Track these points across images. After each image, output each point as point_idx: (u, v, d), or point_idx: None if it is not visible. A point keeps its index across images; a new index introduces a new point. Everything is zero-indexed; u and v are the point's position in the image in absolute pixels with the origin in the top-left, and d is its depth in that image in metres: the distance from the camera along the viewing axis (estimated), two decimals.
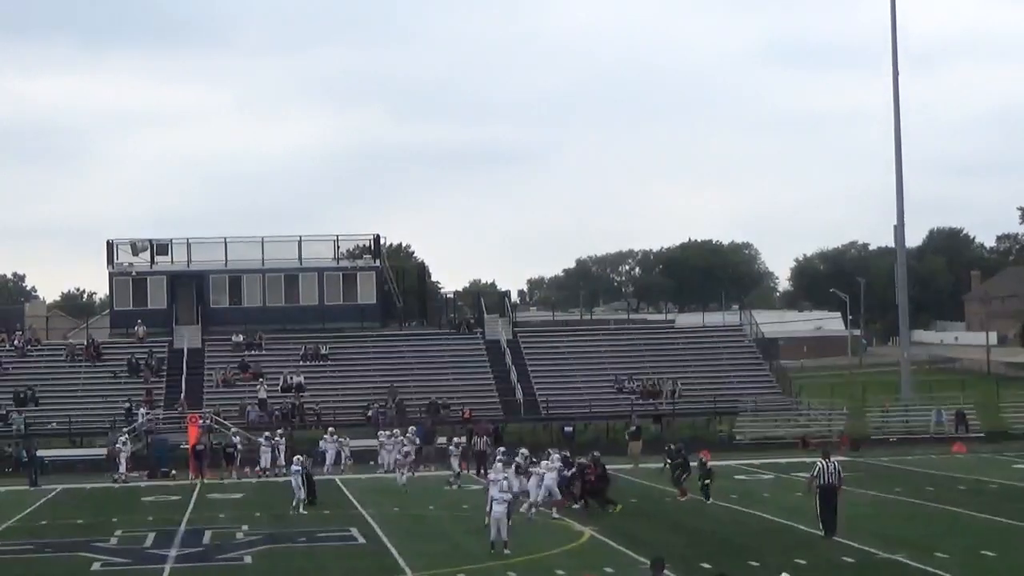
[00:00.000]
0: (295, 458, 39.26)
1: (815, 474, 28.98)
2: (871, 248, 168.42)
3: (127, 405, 56.27)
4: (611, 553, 27.29)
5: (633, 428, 51.20)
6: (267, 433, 50.20)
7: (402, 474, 43.50)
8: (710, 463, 37.50)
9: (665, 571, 17.81)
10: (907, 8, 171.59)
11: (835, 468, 29.00)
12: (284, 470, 47.57)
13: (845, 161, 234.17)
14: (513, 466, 32.09)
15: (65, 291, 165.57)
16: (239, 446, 49.26)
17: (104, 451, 52.80)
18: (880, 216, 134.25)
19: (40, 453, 49.89)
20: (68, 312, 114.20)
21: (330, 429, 50.94)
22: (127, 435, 50.98)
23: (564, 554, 27.34)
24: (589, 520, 32.50)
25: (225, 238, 66.26)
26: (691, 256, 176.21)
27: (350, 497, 39.74)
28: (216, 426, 52.90)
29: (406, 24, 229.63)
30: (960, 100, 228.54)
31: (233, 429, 52.26)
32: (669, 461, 39.07)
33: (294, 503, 36.57)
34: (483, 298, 72.88)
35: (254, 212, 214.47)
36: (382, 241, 68.93)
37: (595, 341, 65.99)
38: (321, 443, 49.59)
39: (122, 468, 48.28)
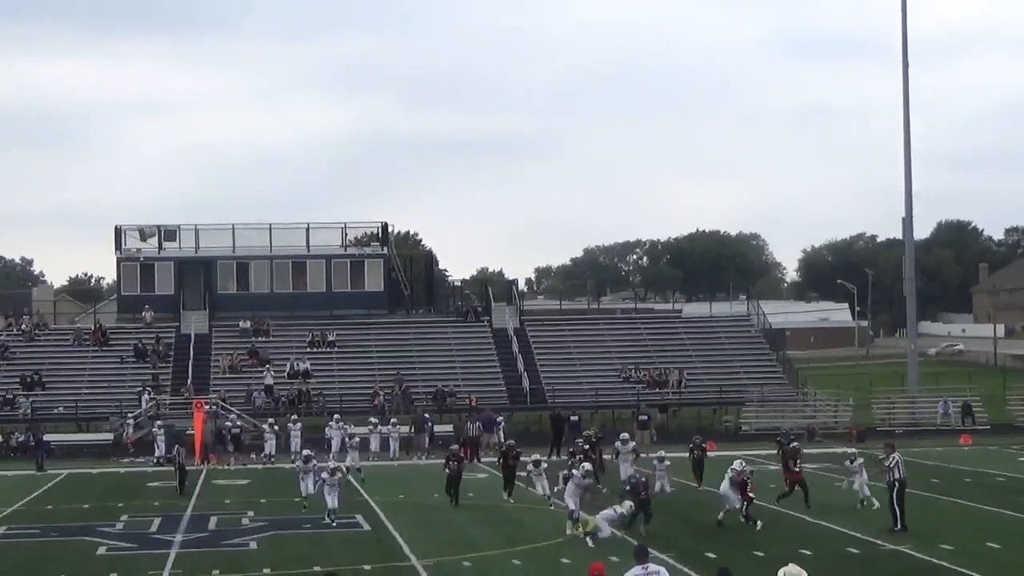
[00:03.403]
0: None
1: (891, 465, 28.81)
2: (879, 240, 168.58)
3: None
4: (616, 542, 27.24)
5: (644, 417, 51.17)
6: (271, 420, 50.31)
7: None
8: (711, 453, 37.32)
9: (663, 557, 17.83)
10: (918, 0, 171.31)
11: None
12: (297, 457, 47.72)
13: (854, 153, 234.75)
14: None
15: (73, 276, 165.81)
16: (240, 429, 49.36)
17: (111, 436, 53.05)
18: (888, 208, 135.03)
19: (47, 437, 50.02)
20: (75, 297, 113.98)
21: (335, 416, 50.97)
22: (144, 419, 51.28)
23: (569, 543, 27.34)
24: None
25: (233, 224, 66.28)
26: (699, 246, 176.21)
27: (355, 484, 39.74)
28: (221, 412, 52.98)
29: (416, 12, 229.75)
30: (969, 93, 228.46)
31: (234, 414, 52.31)
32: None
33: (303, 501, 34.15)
34: (490, 286, 72.90)
35: (262, 199, 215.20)
36: (390, 229, 69.01)
37: (602, 330, 65.97)
38: (327, 430, 49.67)
39: (160, 451, 48.47)
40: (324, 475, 31.94)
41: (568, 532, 28.13)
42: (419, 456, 48.72)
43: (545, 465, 34.01)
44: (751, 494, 29.51)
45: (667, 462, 34.92)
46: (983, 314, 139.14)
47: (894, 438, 53.45)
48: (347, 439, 43.83)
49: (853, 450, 30.22)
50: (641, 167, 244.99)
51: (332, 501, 31.32)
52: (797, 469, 32.41)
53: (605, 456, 39.47)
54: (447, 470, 34.78)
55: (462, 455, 36.26)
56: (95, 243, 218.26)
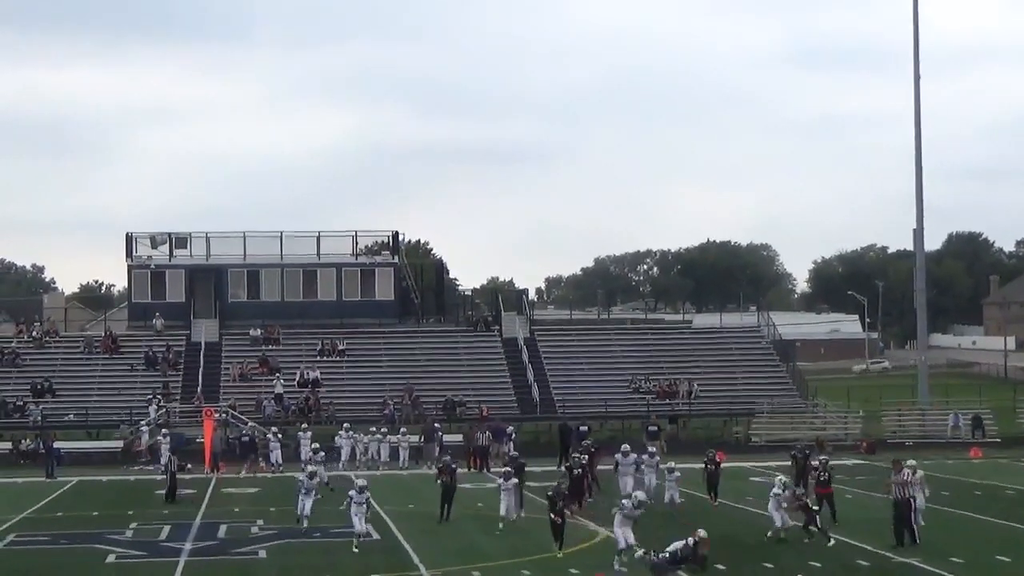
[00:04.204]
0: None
1: (907, 480, 28.43)
2: (890, 251, 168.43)
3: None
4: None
5: (653, 428, 51.01)
6: (274, 428, 50.28)
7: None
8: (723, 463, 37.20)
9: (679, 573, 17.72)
10: (929, 11, 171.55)
11: None
12: (307, 465, 47.60)
13: (865, 163, 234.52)
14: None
15: (84, 283, 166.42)
16: (256, 438, 49.38)
17: (121, 443, 53.09)
18: (899, 219, 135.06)
19: (56, 445, 50.07)
20: (86, 304, 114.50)
21: (345, 425, 51.02)
22: (154, 427, 51.24)
23: (578, 553, 27.31)
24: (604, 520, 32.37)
25: (244, 232, 66.36)
26: (709, 257, 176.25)
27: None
28: (232, 420, 53.03)
29: (426, 21, 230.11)
30: (981, 104, 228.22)
31: (250, 424, 52.35)
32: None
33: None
34: (501, 296, 72.92)
35: (273, 207, 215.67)
36: (401, 237, 69.05)
37: (612, 341, 65.95)
38: (336, 439, 49.71)
39: (164, 459, 48.15)
40: (351, 493, 29.27)
41: (615, 567, 25.04)
42: (429, 465, 48.65)
43: (515, 481, 32.16)
44: (814, 507, 29.48)
45: (677, 473, 34.80)
46: (994, 326, 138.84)
47: (905, 450, 53.72)
48: (315, 453, 42.28)
49: (912, 462, 29.76)
50: (652, 176, 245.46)
51: (360, 524, 28.88)
52: (824, 479, 32.13)
53: (607, 467, 38.93)
54: (440, 481, 34.08)
55: (455, 467, 35.65)
56: (106, 251, 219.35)
